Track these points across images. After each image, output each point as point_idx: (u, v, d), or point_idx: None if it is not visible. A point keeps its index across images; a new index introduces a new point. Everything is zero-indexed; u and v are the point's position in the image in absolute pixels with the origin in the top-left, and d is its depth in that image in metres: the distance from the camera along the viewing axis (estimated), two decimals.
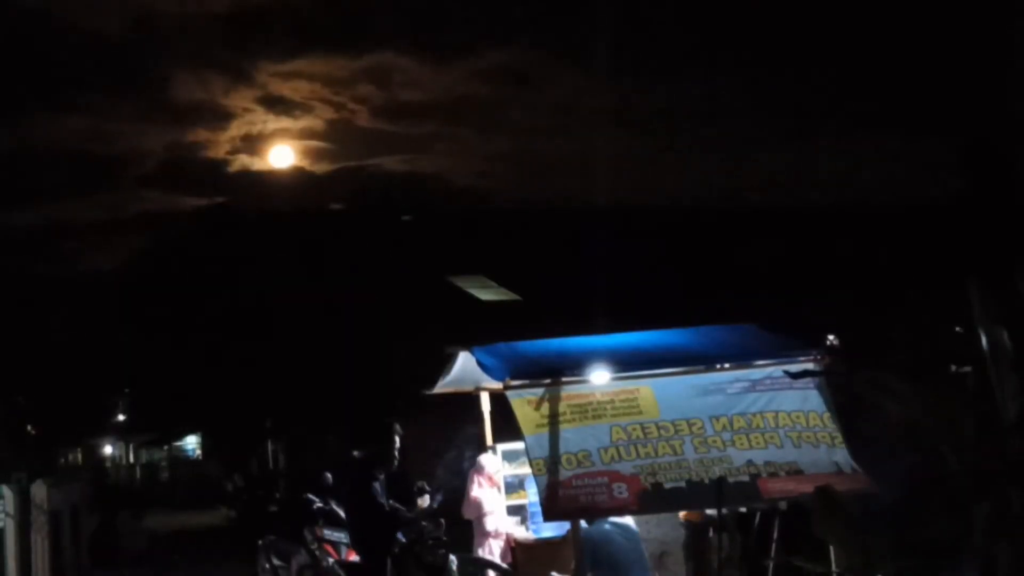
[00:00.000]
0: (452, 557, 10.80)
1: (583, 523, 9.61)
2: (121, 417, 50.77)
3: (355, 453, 10.62)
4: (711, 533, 10.33)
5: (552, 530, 10.71)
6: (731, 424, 9.56)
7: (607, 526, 9.45)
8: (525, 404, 9.42)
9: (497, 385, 9.95)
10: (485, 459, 11.38)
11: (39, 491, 16.23)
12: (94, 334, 32.36)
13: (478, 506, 11.22)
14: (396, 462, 10.51)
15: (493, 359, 9.98)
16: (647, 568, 9.89)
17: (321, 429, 27.50)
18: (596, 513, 9.37)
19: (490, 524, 11.24)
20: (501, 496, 11.48)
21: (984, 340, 5.84)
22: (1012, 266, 5.68)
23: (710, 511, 9.70)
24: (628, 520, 9.84)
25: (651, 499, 9.21)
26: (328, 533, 12.38)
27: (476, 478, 11.33)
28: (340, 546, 12.33)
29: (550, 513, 9.28)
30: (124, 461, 57.95)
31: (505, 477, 11.52)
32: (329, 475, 13.00)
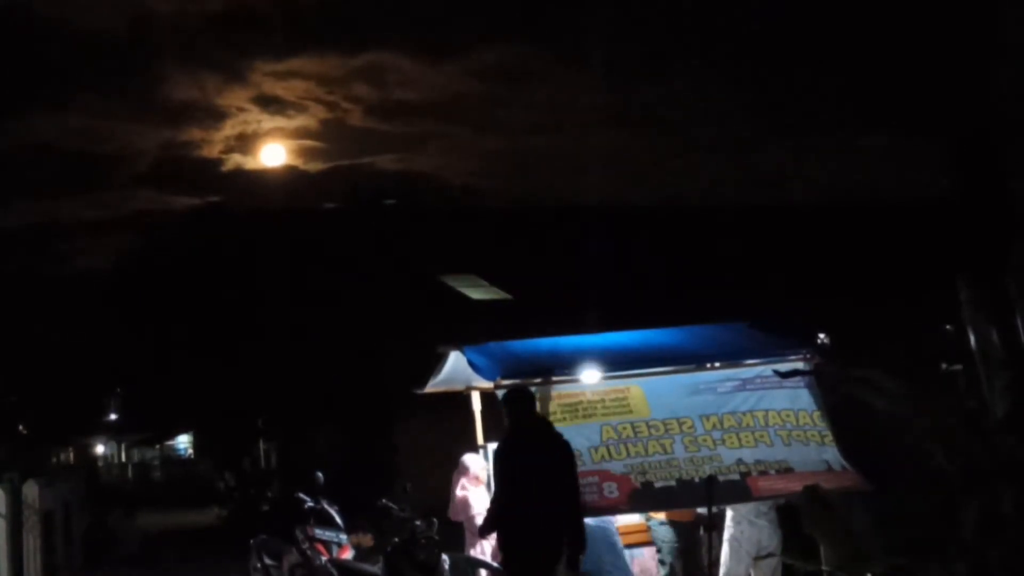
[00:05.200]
0: (444, 556, 10.80)
1: None
2: (113, 416, 50.70)
3: None
4: (700, 532, 10.34)
5: None
6: (721, 423, 9.58)
7: (591, 523, 9.47)
8: None
9: (488, 384, 9.95)
10: (469, 459, 11.34)
11: (31, 490, 16.17)
12: (86, 333, 32.31)
13: (466, 506, 11.18)
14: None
15: (484, 358, 9.98)
16: (626, 565, 9.94)
17: (313, 428, 27.48)
18: (587, 512, 9.37)
19: (480, 524, 11.21)
20: (489, 495, 11.45)
21: (973, 339, 5.85)
22: (1001, 265, 5.69)
23: (700, 510, 9.69)
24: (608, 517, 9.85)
25: (641, 498, 9.22)
26: (320, 532, 12.35)
27: (460, 479, 11.29)
28: (332, 545, 12.31)
29: None
30: (116, 460, 57.88)
31: None
32: (320, 474, 12.98)
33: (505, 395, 8.99)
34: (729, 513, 9.66)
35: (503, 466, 8.43)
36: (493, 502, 8.74)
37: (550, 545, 8.31)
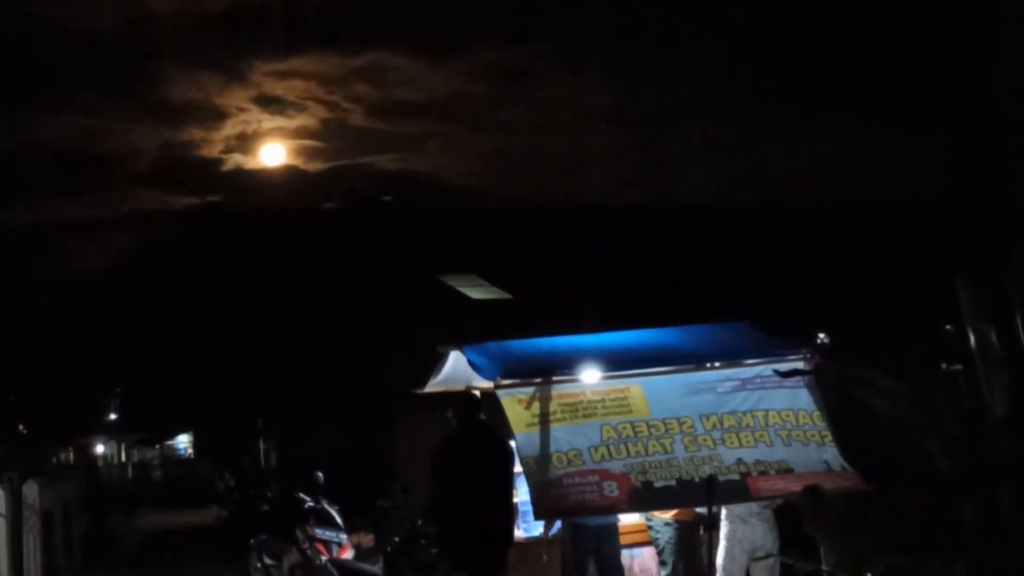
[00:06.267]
0: None
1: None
2: (113, 416, 50.68)
3: None
4: (701, 531, 10.35)
5: (543, 529, 10.71)
6: (721, 423, 9.58)
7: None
8: (515, 403, 9.44)
9: (488, 384, 9.96)
10: None
11: (31, 490, 16.19)
12: (86, 333, 32.32)
13: None
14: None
15: (484, 358, 9.99)
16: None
17: (313, 428, 27.49)
18: (587, 512, 9.40)
19: None
20: None
21: (973, 339, 5.84)
22: (999, 264, 5.69)
23: (700, 510, 9.70)
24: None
25: (642, 498, 9.23)
26: (320, 532, 12.38)
27: None
28: (332, 545, 12.33)
29: (541, 512, 9.31)
30: (116, 460, 57.84)
31: None
32: (320, 474, 13.00)
33: (458, 399, 9.68)
34: (723, 512, 9.68)
35: (441, 463, 9.20)
36: (432, 495, 9.37)
37: (486, 541, 9.06)
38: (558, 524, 10.27)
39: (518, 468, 9.68)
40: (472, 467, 9.12)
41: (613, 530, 10.10)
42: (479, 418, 9.48)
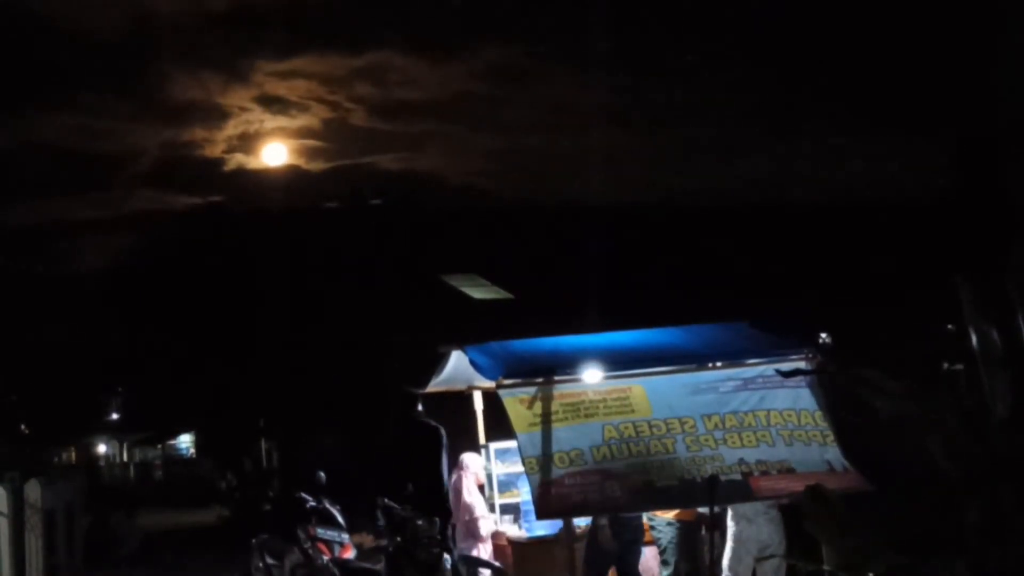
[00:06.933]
0: (446, 556, 10.82)
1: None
2: (115, 416, 50.67)
3: None
4: (703, 531, 10.35)
5: (545, 528, 10.73)
6: (723, 423, 9.58)
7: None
8: (517, 403, 9.44)
9: (490, 384, 9.98)
10: (468, 458, 11.37)
11: (33, 490, 16.19)
12: (88, 333, 32.33)
13: (470, 509, 11.20)
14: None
15: (486, 358, 10.01)
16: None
17: (315, 428, 27.50)
18: (588, 511, 9.41)
19: (483, 527, 11.21)
20: (482, 496, 11.48)
21: (974, 338, 5.85)
22: (1001, 264, 5.70)
23: (702, 509, 9.71)
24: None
25: (643, 497, 9.24)
26: (321, 532, 12.37)
27: (464, 480, 11.30)
28: (333, 544, 12.33)
29: (543, 512, 9.31)
30: (118, 460, 57.81)
31: (498, 476, 11.52)
32: (322, 474, 13.00)
33: (401, 397, 11.81)
34: (729, 512, 9.69)
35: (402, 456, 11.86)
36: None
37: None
38: (559, 524, 10.27)
39: (520, 468, 9.69)
40: (433, 465, 11.17)
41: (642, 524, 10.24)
42: (415, 411, 11.67)
